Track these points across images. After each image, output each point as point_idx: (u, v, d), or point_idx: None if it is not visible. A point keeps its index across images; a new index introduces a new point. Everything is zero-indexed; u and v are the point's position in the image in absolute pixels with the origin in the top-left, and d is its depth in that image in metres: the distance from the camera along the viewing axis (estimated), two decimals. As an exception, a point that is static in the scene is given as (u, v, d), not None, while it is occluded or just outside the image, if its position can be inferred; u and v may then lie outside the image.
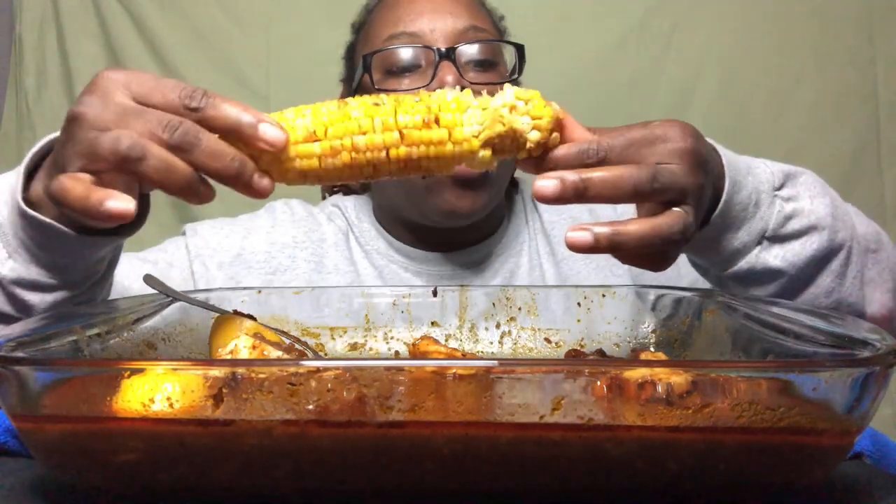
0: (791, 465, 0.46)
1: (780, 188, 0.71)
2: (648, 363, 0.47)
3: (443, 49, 0.91)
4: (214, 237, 1.00)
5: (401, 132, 0.57)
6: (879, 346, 0.47)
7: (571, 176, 0.56)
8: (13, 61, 1.81)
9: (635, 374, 0.46)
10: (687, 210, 0.59)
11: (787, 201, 0.71)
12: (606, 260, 1.00)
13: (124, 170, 0.55)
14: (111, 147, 0.54)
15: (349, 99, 0.58)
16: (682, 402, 0.45)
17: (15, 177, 0.66)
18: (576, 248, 0.56)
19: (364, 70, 0.94)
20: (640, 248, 0.57)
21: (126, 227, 0.65)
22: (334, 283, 0.98)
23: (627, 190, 0.57)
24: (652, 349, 0.74)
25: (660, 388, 0.45)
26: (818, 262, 0.72)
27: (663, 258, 0.62)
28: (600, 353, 0.73)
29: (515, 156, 0.59)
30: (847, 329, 0.52)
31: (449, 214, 0.93)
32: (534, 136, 0.57)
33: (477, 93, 0.59)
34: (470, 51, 0.93)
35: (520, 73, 0.97)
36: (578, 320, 0.78)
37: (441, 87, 0.84)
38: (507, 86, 0.59)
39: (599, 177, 0.57)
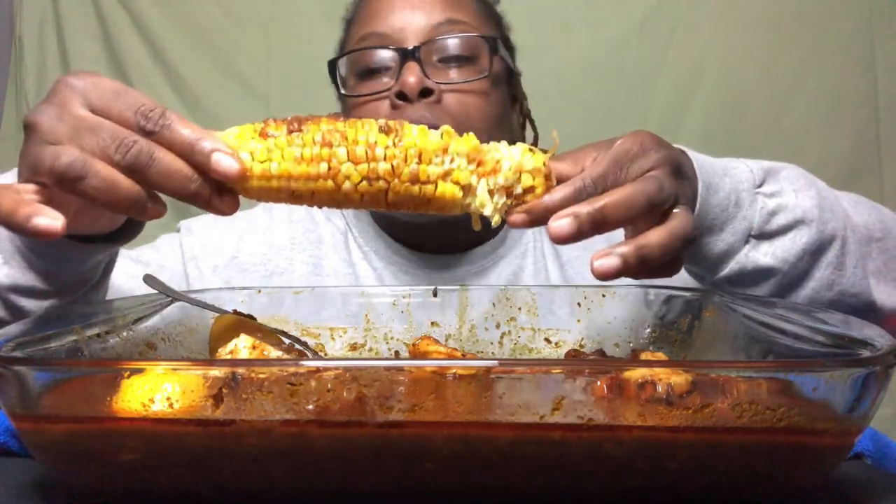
0: (791, 465, 0.46)
1: (760, 185, 0.71)
2: (648, 363, 0.47)
3: (409, 48, 0.87)
4: (210, 238, 0.98)
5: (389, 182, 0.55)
6: (879, 346, 0.47)
7: (585, 208, 0.55)
8: (13, 61, 1.81)
9: (635, 374, 0.46)
10: (686, 210, 0.60)
11: (770, 197, 0.71)
12: None
13: (65, 188, 0.52)
14: (50, 163, 0.52)
15: (343, 132, 0.54)
16: (682, 402, 0.45)
17: None
18: (606, 275, 0.56)
19: (331, 78, 0.93)
20: (664, 256, 0.57)
21: (122, 234, 0.66)
22: (332, 286, 0.95)
23: (643, 205, 0.57)
24: (652, 349, 0.74)
25: (660, 388, 0.45)
26: (811, 256, 0.71)
27: (677, 263, 0.61)
28: (600, 353, 0.73)
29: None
30: (847, 329, 0.52)
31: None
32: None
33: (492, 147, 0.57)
34: (441, 47, 0.89)
35: (512, 68, 0.94)
36: (578, 320, 0.78)
37: (403, 88, 0.85)
38: (514, 156, 0.56)
39: (613, 202, 0.56)
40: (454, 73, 0.89)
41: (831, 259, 0.72)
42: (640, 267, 0.57)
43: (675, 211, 0.59)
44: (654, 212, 0.59)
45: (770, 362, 0.58)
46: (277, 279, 0.95)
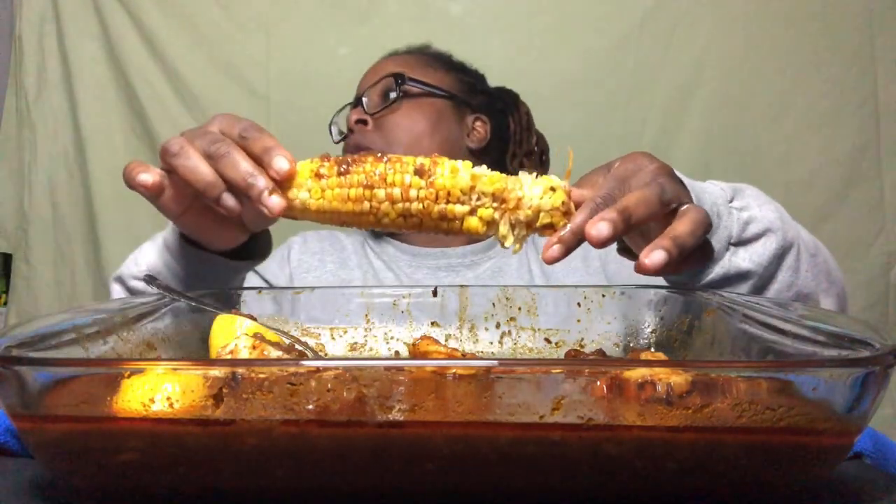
0: (791, 465, 0.46)
1: (731, 201, 0.80)
2: (648, 363, 0.47)
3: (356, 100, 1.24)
4: (271, 260, 1.18)
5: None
6: (879, 346, 0.47)
7: (612, 213, 0.61)
8: (13, 61, 1.81)
9: (635, 374, 0.46)
10: (695, 206, 0.66)
11: (741, 211, 0.79)
12: (582, 263, 1.14)
13: (166, 163, 0.68)
14: (164, 146, 0.68)
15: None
16: (682, 402, 0.45)
17: (168, 231, 0.83)
18: (658, 269, 0.60)
19: (329, 131, 1.33)
20: (694, 242, 0.62)
21: (257, 255, 0.82)
22: (356, 275, 1.21)
23: (656, 203, 0.63)
24: (652, 349, 0.74)
25: (660, 388, 0.45)
26: (777, 260, 0.79)
27: (708, 249, 0.67)
28: (600, 353, 0.73)
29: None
30: (847, 329, 0.52)
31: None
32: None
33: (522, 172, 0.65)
34: (372, 91, 1.24)
35: (438, 91, 1.24)
36: (578, 320, 0.78)
37: (347, 124, 1.24)
38: (534, 196, 0.63)
39: (633, 202, 0.62)
40: (384, 104, 1.23)
41: (790, 263, 0.80)
42: (679, 256, 0.61)
43: (683, 208, 0.65)
44: (665, 210, 0.64)
45: (770, 362, 0.58)
46: (312, 272, 1.23)
